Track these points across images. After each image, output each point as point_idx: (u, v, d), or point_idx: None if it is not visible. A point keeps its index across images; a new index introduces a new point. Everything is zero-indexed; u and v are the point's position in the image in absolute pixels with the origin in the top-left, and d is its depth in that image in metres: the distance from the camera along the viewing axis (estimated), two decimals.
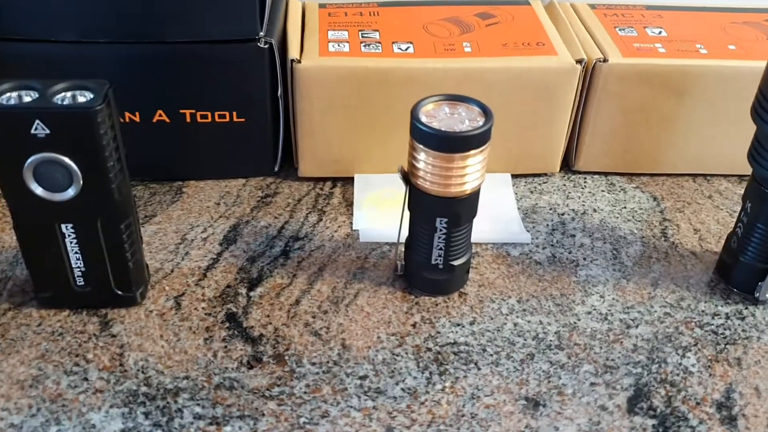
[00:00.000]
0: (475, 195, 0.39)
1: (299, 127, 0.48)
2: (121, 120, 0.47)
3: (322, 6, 0.53)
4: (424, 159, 0.38)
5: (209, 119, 0.48)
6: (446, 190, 0.38)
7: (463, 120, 0.38)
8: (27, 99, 0.35)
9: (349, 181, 0.51)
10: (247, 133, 0.49)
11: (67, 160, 0.35)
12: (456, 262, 0.41)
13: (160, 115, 0.47)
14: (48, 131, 0.34)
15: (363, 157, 0.50)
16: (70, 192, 0.36)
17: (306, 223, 0.47)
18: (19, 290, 0.42)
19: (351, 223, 0.47)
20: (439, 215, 0.39)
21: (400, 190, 0.40)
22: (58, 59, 0.45)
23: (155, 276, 0.43)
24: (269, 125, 0.49)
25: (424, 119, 0.38)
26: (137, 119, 0.47)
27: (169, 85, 0.46)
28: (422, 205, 0.39)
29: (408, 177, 0.39)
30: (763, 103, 0.37)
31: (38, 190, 0.36)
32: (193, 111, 0.47)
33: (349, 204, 0.49)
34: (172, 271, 0.43)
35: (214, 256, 0.44)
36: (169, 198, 0.49)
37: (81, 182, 0.36)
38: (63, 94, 0.35)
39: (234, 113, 0.48)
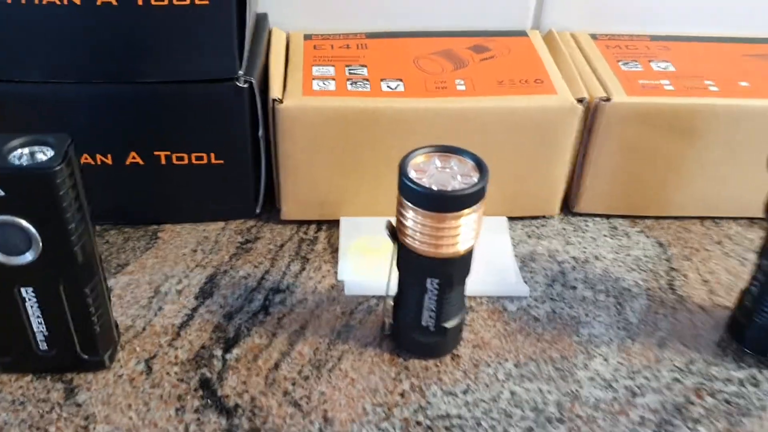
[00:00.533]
0: (469, 254, 0.37)
1: (282, 169, 0.46)
2: (92, 162, 0.44)
3: (307, 37, 0.50)
4: (413, 218, 0.35)
5: (186, 161, 0.45)
6: (437, 250, 0.35)
7: (455, 175, 0.35)
8: None
9: (334, 224, 0.48)
10: (226, 174, 0.46)
11: (24, 222, 0.32)
12: (448, 324, 0.38)
13: (134, 157, 0.44)
14: (3, 193, 0.32)
15: (349, 199, 0.47)
16: (29, 256, 0.33)
17: (288, 272, 0.44)
18: None
19: (336, 272, 0.44)
20: (430, 276, 0.36)
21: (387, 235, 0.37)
22: (26, 99, 0.42)
23: (126, 335, 0.40)
24: (250, 167, 0.46)
25: (413, 174, 0.35)
26: (109, 161, 0.44)
27: (142, 126, 0.43)
28: (411, 265, 0.36)
29: (396, 234, 0.37)
30: None
31: None
32: (169, 153, 0.44)
33: (335, 250, 0.46)
34: (144, 329, 0.40)
35: (189, 312, 0.41)
36: (144, 244, 0.46)
37: (40, 245, 0.33)
38: (20, 150, 0.32)
39: (212, 155, 0.45)
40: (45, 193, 0.32)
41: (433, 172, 0.35)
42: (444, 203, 0.34)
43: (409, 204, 0.34)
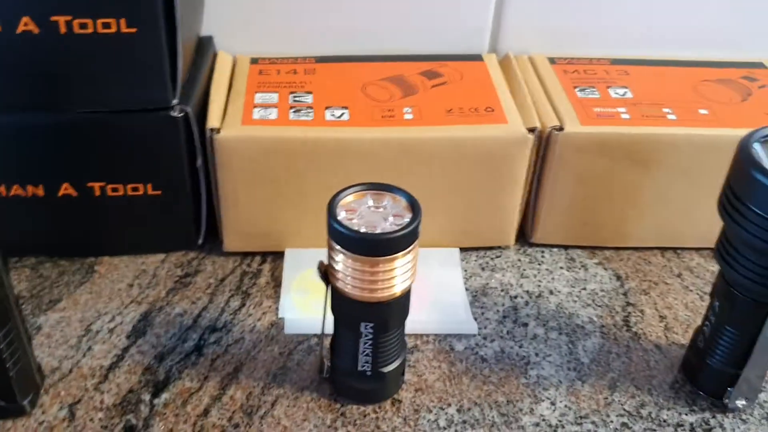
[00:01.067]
0: (405, 296, 0.35)
1: (222, 200, 0.44)
2: (24, 194, 0.42)
3: (254, 61, 0.48)
4: (344, 261, 0.33)
5: (121, 192, 0.43)
6: (371, 294, 0.33)
7: (387, 215, 0.33)
8: None
9: (279, 255, 0.46)
10: (164, 205, 0.44)
11: None
12: (386, 369, 0.36)
13: (66, 189, 0.42)
14: None
15: (294, 230, 0.45)
16: None
17: (227, 309, 0.42)
18: None
19: (277, 308, 0.43)
20: (364, 320, 0.35)
21: None
22: None
23: (51, 377, 0.38)
24: (189, 197, 0.44)
25: (343, 215, 0.33)
26: (41, 193, 0.42)
27: (73, 157, 0.41)
28: (344, 309, 0.35)
29: (328, 276, 0.35)
30: (732, 200, 0.33)
31: None
32: (103, 184, 0.42)
33: (278, 284, 0.44)
34: (70, 370, 0.38)
35: (119, 352, 0.40)
36: (79, 278, 0.44)
37: None
38: None
39: (149, 185, 0.43)
40: None
41: (364, 213, 0.34)
42: (375, 247, 0.32)
43: (339, 247, 0.33)
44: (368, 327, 0.35)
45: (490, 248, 0.47)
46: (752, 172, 0.31)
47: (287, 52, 0.49)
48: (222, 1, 0.48)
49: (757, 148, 0.33)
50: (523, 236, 0.48)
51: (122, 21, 0.37)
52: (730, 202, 0.33)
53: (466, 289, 0.44)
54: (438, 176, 0.43)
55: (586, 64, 0.49)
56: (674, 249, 0.48)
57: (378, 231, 0.32)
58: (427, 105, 0.44)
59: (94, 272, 0.45)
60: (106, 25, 0.37)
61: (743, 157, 0.33)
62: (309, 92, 0.45)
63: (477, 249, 0.47)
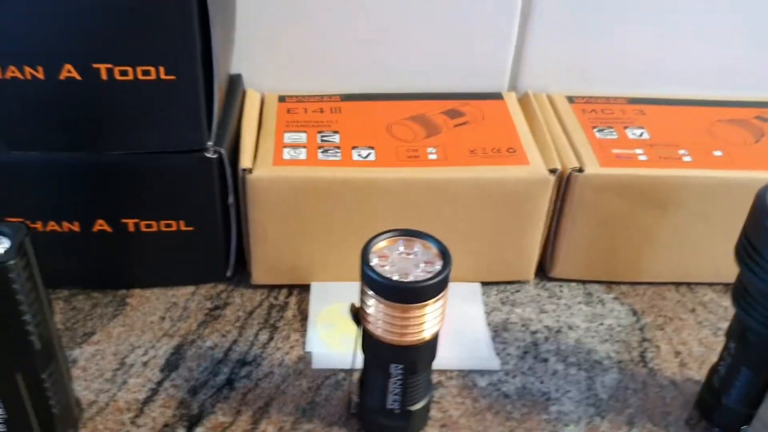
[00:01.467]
0: (434, 339, 0.36)
1: (252, 235, 0.45)
2: (59, 229, 0.44)
3: (281, 99, 0.49)
4: (376, 306, 0.34)
5: (154, 228, 0.44)
6: (401, 339, 0.35)
7: (418, 262, 0.35)
8: None
9: (305, 288, 0.47)
10: (196, 241, 0.45)
11: None
12: (414, 407, 0.38)
13: (101, 225, 0.44)
14: None
15: (320, 265, 0.46)
16: None
17: (256, 342, 0.44)
18: None
19: (304, 342, 0.44)
20: (394, 362, 0.36)
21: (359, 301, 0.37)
22: None
23: (89, 410, 0.39)
24: (220, 232, 0.45)
25: (375, 261, 0.34)
26: (76, 228, 0.44)
27: (109, 196, 0.43)
28: (375, 352, 0.36)
29: (359, 318, 0.36)
30: (747, 248, 0.34)
31: None
32: (137, 220, 0.44)
33: (305, 317, 0.46)
34: (107, 404, 0.40)
35: (154, 386, 0.41)
36: (111, 310, 0.45)
37: None
38: None
39: (182, 222, 0.44)
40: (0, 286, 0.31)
41: (396, 259, 0.35)
42: (407, 295, 0.33)
43: (372, 293, 0.34)
44: (398, 368, 0.36)
45: (510, 283, 0.49)
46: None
47: (313, 89, 0.51)
48: (250, 40, 0.50)
49: None
50: (542, 271, 0.49)
51: (161, 68, 0.38)
52: (747, 251, 0.34)
53: (488, 324, 0.46)
54: (462, 214, 0.45)
55: (603, 103, 0.51)
56: (688, 284, 0.49)
57: (410, 278, 0.34)
58: (450, 145, 0.46)
59: (126, 304, 0.46)
60: (146, 72, 0.38)
61: (760, 208, 0.34)
62: (336, 131, 0.46)
63: (497, 283, 0.49)
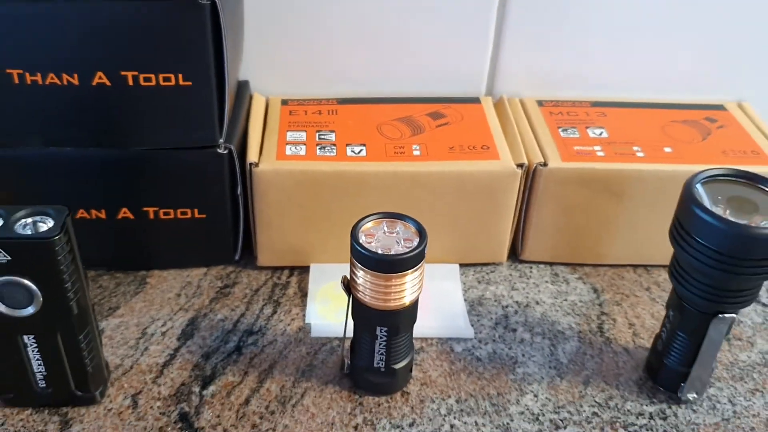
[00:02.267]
0: (413, 305, 0.42)
1: (257, 222, 0.51)
2: (88, 216, 0.50)
3: (284, 102, 0.56)
4: (363, 277, 0.40)
5: (172, 216, 0.50)
6: (385, 304, 0.41)
7: (399, 239, 0.41)
8: None
9: (305, 270, 0.54)
10: (208, 227, 0.51)
11: (27, 281, 0.38)
12: (397, 366, 0.44)
13: (125, 213, 0.50)
14: (10, 258, 0.37)
15: (318, 248, 0.52)
16: (30, 309, 0.39)
17: (261, 315, 0.50)
18: None
19: (304, 315, 0.50)
20: (379, 325, 0.42)
21: None
22: (31, 163, 0.48)
23: (115, 372, 0.45)
24: (229, 220, 0.52)
25: (363, 239, 0.40)
26: (103, 216, 0.50)
27: (132, 187, 0.49)
28: (363, 316, 0.42)
29: (349, 288, 0.42)
30: (679, 230, 0.40)
31: (1, 308, 0.39)
32: (156, 208, 0.50)
33: (304, 294, 0.52)
34: (131, 367, 0.46)
35: (172, 352, 0.47)
36: (133, 289, 0.52)
37: (41, 300, 0.39)
38: (24, 220, 0.38)
39: (195, 210, 0.50)
40: (46, 258, 0.37)
41: (381, 237, 0.41)
42: (389, 266, 0.39)
43: (360, 265, 0.40)
44: (383, 331, 0.42)
45: (486, 264, 0.55)
46: (693, 208, 0.39)
47: (312, 94, 0.57)
48: (257, 50, 0.56)
49: (699, 187, 0.40)
50: (514, 254, 0.56)
51: (180, 75, 0.45)
52: (678, 232, 0.40)
53: (465, 300, 0.52)
54: (442, 203, 0.51)
55: (569, 106, 0.57)
56: (645, 266, 0.55)
57: (392, 252, 0.40)
58: (432, 143, 0.52)
59: (146, 284, 0.52)
60: (167, 79, 0.45)
61: (687, 194, 0.40)
62: (332, 131, 0.53)
63: (474, 265, 0.55)
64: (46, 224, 0.38)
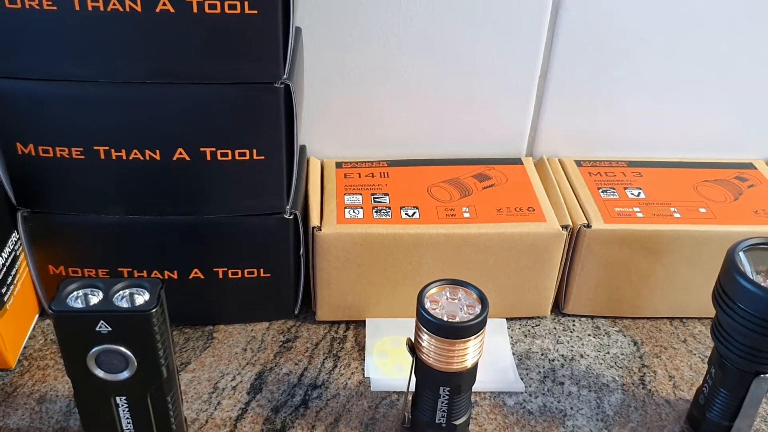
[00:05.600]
0: (474, 368, 0.45)
1: (318, 280, 0.55)
2: (160, 277, 0.53)
3: (338, 165, 0.59)
4: (428, 341, 0.43)
5: (239, 275, 0.54)
6: (448, 366, 0.44)
7: (462, 306, 0.44)
8: (92, 298, 0.41)
9: (360, 324, 0.57)
10: (272, 285, 0.55)
11: (124, 349, 0.41)
12: (457, 422, 0.47)
13: (196, 273, 0.53)
14: (110, 328, 0.41)
15: (373, 304, 0.56)
16: (126, 374, 0.42)
17: (323, 369, 0.53)
18: None
19: (363, 369, 0.53)
20: (442, 385, 0.45)
21: (406, 334, 0.46)
22: (116, 230, 0.52)
23: (192, 426, 0.49)
24: (292, 278, 0.55)
25: (428, 305, 0.44)
26: (175, 276, 0.53)
27: (204, 250, 0.53)
28: (427, 376, 0.45)
29: (414, 350, 0.45)
30: (721, 293, 0.43)
31: (99, 372, 0.42)
32: (225, 269, 0.53)
33: (361, 348, 0.55)
34: (206, 421, 0.49)
35: (243, 406, 0.50)
36: (202, 344, 0.55)
37: (135, 365, 0.42)
38: (121, 292, 0.42)
39: (261, 270, 0.54)
40: (143, 329, 0.41)
41: (444, 303, 0.44)
42: (454, 332, 0.43)
43: (426, 330, 0.43)
44: (445, 390, 0.45)
45: (531, 318, 0.58)
46: (736, 276, 0.42)
47: (363, 156, 0.61)
48: (312, 115, 0.60)
49: (741, 255, 0.44)
50: (558, 308, 0.59)
51: (254, 150, 0.48)
52: (720, 296, 0.44)
53: (513, 354, 0.55)
54: (491, 262, 0.54)
55: (606, 166, 0.60)
56: (680, 318, 0.58)
57: (456, 319, 0.43)
58: (480, 205, 0.55)
59: (213, 338, 0.55)
60: (242, 154, 0.48)
61: (729, 262, 0.43)
62: (386, 193, 0.56)
63: (520, 319, 0.58)
64: (142, 296, 0.41)
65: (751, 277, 0.42)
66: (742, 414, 0.46)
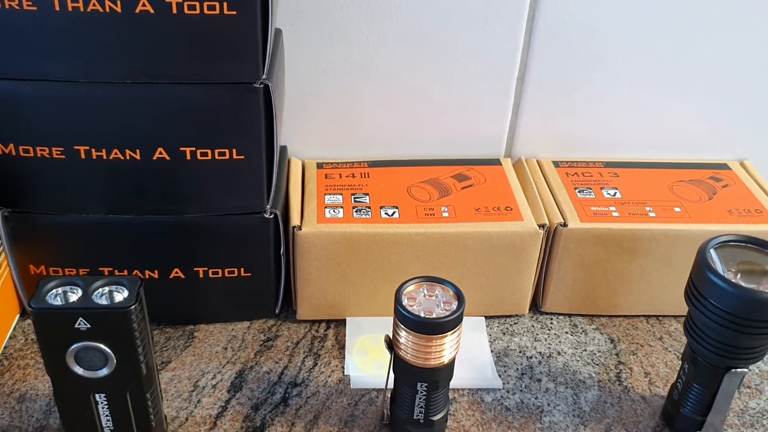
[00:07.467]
0: (451, 363, 0.46)
1: (298, 279, 0.55)
2: (141, 276, 0.53)
3: (319, 165, 0.60)
4: (406, 337, 0.44)
5: (220, 275, 0.54)
6: (425, 362, 0.45)
7: (439, 302, 0.45)
8: (71, 295, 0.41)
9: (341, 322, 0.57)
10: (252, 284, 0.55)
11: (103, 346, 0.42)
12: (435, 417, 0.47)
13: (176, 272, 0.54)
14: (89, 326, 0.41)
15: (353, 303, 0.56)
16: (105, 371, 0.42)
17: (303, 367, 0.53)
18: None
19: (343, 367, 0.54)
20: (420, 381, 0.46)
21: (386, 333, 0.46)
22: (93, 229, 0.52)
23: (172, 424, 0.49)
24: (272, 277, 0.56)
25: (405, 302, 0.44)
26: (156, 276, 0.54)
27: (184, 250, 0.53)
28: (405, 372, 0.46)
29: (392, 346, 0.46)
30: (692, 289, 0.44)
31: (78, 370, 0.42)
32: (206, 269, 0.54)
33: (341, 347, 0.55)
34: (186, 419, 0.49)
35: (223, 404, 0.50)
36: (182, 343, 0.55)
37: (114, 363, 0.42)
38: (101, 290, 0.42)
39: (242, 269, 0.54)
40: (122, 326, 0.41)
41: (422, 300, 0.45)
42: (430, 328, 0.43)
43: (403, 326, 0.44)
44: (423, 386, 0.46)
45: (509, 316, 0.59)
46: (707, 272, 0.43)
47: (344, 157, 0.61)
48: (292, 116, 0.60)
49: (712, 252, 0.44)
50: (535, 306, 0.60)
51: (234, 150, 0.49)
52: (692, 292, 0.44)
53: (491, 351, 0.55)
54: (469, 261, 0.55)
55: (583, 167, 0.61)
56: (656, 317, 0.59)
57: (433, 315, 0.44)
58: (459, 205, 0.56)
59: (194, 338, 0.56)
60: (222, 154, 0.49)
61: (701, 259, 0.44)
62: (366, 193, 0.57)
63: (498, 317, 0.59)
64: (121, 294, 0.42)
65: (722, 273, 0.43)
66: (715, 409, 0.47)
